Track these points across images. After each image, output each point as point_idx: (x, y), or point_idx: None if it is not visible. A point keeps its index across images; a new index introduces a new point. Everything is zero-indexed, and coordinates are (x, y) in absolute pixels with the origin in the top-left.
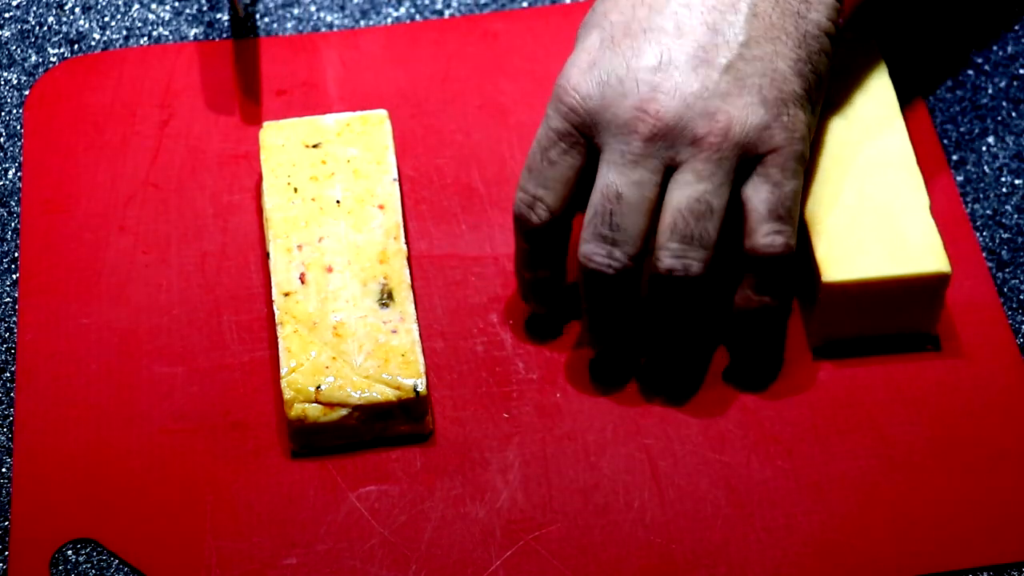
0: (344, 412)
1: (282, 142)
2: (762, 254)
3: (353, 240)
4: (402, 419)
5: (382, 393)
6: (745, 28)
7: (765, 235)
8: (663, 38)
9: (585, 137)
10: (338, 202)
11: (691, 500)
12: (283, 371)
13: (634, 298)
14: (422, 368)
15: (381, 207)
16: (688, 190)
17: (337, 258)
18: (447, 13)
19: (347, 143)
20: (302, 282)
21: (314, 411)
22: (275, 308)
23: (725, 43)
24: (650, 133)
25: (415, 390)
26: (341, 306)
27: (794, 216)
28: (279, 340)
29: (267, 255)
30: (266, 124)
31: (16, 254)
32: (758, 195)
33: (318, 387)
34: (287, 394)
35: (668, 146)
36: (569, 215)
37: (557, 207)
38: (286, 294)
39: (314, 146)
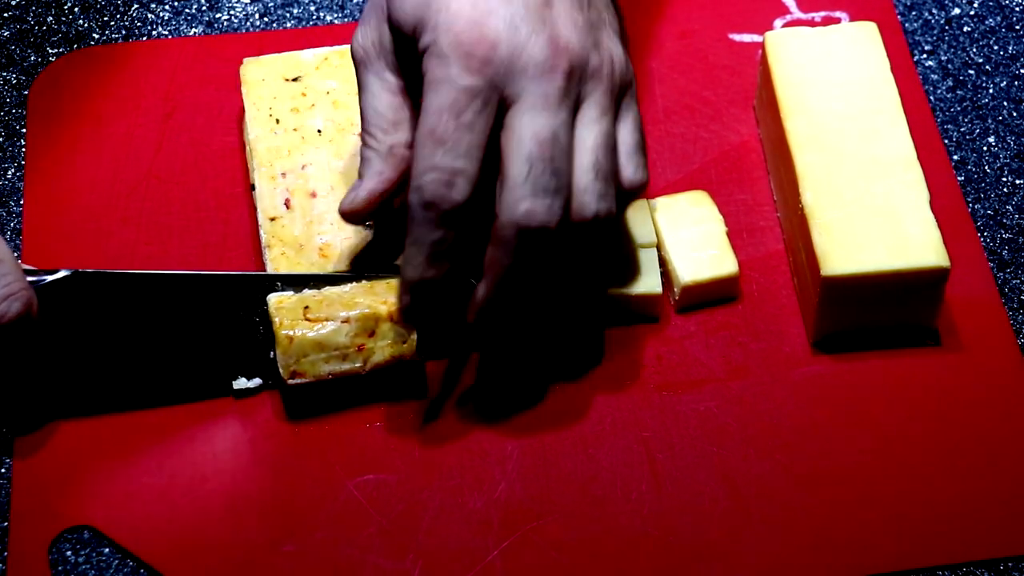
0: (333, 326)
1: (263, 77)
2: (630, 187)
3: (336, 167)
4: (391, 335)
5: (370, 306)
6: None
7: (636, 168)
8: None
9: (498, 90)
10: (319, 131)
11: (689, 493)
12: (271, 297)
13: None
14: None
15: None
16: (598, 127)
17: (320, 184)
18: None
19: (326, 76)
20: (287, 207)
21: (303, 328)
22: (261, 232)
23: None
24: (567, 69)
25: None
26: (326, 228)
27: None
28: (266, 264)
29: (251, 187)
30: (246, 60)
31: (17, 252)
32: (626, 128)
33: (306, 307)
34: (275, 319)
35: (579, 81)
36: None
37: (477, 178)
38: (272, 219)
39: (294, 79)
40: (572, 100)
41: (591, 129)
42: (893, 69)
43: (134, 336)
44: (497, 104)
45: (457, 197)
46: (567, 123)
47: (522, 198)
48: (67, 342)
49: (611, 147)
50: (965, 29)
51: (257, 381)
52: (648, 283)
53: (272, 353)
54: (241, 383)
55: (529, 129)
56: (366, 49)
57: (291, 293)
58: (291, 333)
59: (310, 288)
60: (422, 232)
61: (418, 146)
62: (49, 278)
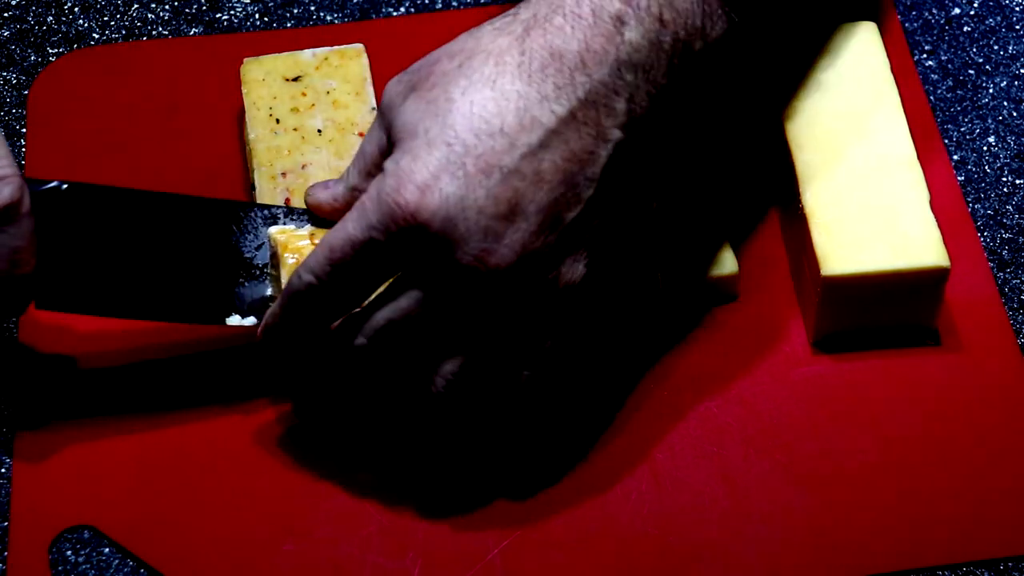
0: None
1: (263, 76)
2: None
3: (336, 166)
4: None
5: None
6: (598, 185)
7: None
8: (518, 183)
9: (406, 255)
10: (319, 131)
11: (689, 493)
12: (273, 228)
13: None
14: None
15: (361, 135)
16: (499, 337)
17: None
18: None
19: (326, 76)
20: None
21: (308, 250)
22: None
23: (576, 199)
24: (479, 282)
25: None
26: None
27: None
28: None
29: (251, 187)
30: (246, 60)
31: None
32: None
33: (311, 234)
34: (280, 243)
35: (491, 293)
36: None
37: (340, 311)
38: None
39: (294, 79)
40: (474, 305)
41: (492, 338)
42: (893, 69)
43: (127, 259)
44: (398, 263)
45: (312, 305)
46: (447, 321)
47: (362, 334)
48: (60, 262)
49: (501, 357)
50: (965, 29)
51: (252, 320)
52: (726, 264)
53: (270, 290)
54: (235, 320)
55: (406, 302)
56: (383, 100)
57: (293, 227)
58: (297, 257)
59: (310, 224)
60: (282, 298)
61: (320, 242)
62: (45, 187)
